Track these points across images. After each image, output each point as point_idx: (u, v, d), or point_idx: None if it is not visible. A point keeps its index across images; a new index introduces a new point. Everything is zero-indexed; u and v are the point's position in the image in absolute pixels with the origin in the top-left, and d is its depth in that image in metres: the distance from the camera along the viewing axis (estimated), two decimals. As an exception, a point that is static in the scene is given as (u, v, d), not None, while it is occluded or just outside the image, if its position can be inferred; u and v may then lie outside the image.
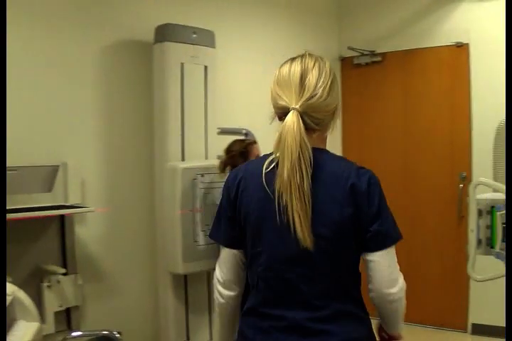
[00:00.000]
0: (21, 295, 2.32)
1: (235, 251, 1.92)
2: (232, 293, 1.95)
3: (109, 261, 3.95)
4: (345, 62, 6.02)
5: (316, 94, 1.79)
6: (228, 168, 3.86)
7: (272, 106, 1.95)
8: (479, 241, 2.51)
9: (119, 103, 4.00)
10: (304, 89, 1.81)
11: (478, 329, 5.26)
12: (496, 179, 3.06)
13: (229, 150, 3.87)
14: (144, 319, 4.15)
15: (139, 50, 4.08)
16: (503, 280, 2.44)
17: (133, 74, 4.07)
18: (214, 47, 4.16)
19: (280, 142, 1.77)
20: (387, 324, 2.05)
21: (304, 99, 1.79)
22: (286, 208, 1.72)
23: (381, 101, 5.82)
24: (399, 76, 5.72)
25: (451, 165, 5.42)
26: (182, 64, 3.95)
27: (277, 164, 1.76)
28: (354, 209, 1.76)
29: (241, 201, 1.86)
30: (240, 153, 3.81)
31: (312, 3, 5.72)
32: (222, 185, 3.89)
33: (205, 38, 4.10)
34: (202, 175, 3.89)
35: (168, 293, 3.98)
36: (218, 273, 1.95)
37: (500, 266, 2.41)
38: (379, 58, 5.78)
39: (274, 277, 1.81)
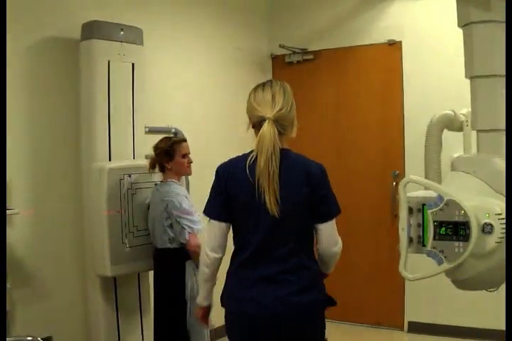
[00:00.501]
0: None
1: (222, 224, 2.61)
2: (217, 256, 2.63)
3: (37, 265, 3.83)
4: (276, 60, 6.01)
5: (283, 108, 2.58)
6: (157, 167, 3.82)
7: (248, 117, 2.73)
8: (410, 240, 2.51)
9: (44, 102, 3.88)
10: (275, 105, 2.58)
11: (415, 327, 5.34)
12: (427, 177, 3.08)
13: (155, 148, 3.83)
14: (74, 322, 4.04)
15: (65, 47, 3.95)
16: (437, 278, 2.45)
17: (59, 72, 3.95)
18: (142, 44, 4.08)
19: (259, 142, 2.52)
20: (326, 268, 2.89)
21: (275, 111, 2.56)
22: (263, 189, 2.49)
23: (313, 99, 5.82)
24: (331, 74, 5.73)
25: (383, 164, 5.46)
26: (109, 61, 3.86)
27: (256, 158, 2.52)
28: (310, 189, 2.58)
29: (231, 187, 2.59)
30: (165, 151, 3.76)
31: (243, 1, 5.69)
32: (149, 185, 3.85)
33: (133, 36, 4.01)
34: (129, 175, 3.82)
35: (98, 296, 3.89)
36: (207, 241, 2.64)
37: (433, 265, 2.42)
38: (311, 56, 5.80)
39: (257, 241, 2.54)
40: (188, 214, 3.64)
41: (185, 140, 3.93)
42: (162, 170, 3.84)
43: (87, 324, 4.01)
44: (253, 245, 2.56)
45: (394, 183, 5.36)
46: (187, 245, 3.63)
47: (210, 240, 2.63)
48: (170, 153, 3.77)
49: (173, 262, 3.72)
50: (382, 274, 5.50)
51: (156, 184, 3.89)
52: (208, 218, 2.65)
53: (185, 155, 3.84)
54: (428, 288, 4.66)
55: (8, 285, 3.46)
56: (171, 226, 3.66)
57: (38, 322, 3.75)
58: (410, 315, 5.37)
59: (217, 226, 2.61)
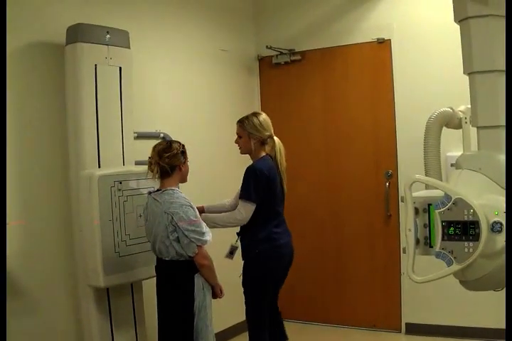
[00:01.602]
0: None
1: (255, 206, 3.92)
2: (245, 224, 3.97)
3: (26, 277, 3.73)
4: (263, 61, 5.96)
5: None
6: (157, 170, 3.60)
7: (258, 135, 4.03)
8: (417, 241, 2.45)
9: (30, 108, 3.78)
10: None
11: (412, 329, 5.29)
12: (427, 175, 3.03)
13: (167, 149, 3.55)
14: (68, 335, 3.94)
15: (50, 52, 3.86)
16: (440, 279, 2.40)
17: (45, 77, 3.86)
18: (129, 47, 4.00)
19: (276, 151, 4.08)
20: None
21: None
22: (281, 182, 4.10)
23: (302, 100, 5.78)
24: (320, 74, 5.68)
25: (376, 164, 5.42)
26: (96, 65, 3.77)
27: (273, 159, 4.09)
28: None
29: (272, 182, 3.96)
30: (182, 152, 3.60)
31: (229, 3, 5.65)
32: (142, 191, 3.70)
33: (120, 39, 3.93)
34: (120, 182, 3.72)
35: (91, 308, 3.79)
36: (245, 215, 3.90)
37: (439, 266, 2.37)
38: (299, 57, 5.75)
39: (281, 213, 4.14)
40: (195, 225, 3.45)
41: None
42: (167, 175, 3.57)
43: (81, 336, 3.91)
44: (281, 215, 4.10)
45: (387, 183, 5.31)
46: (195, 258, 3.48)
47: (245, 216, 3.88)
48: (184, 155, 3.61)
49: (180, 275, 3.53)
50: (378, 275, 5.46)
51: (150, 192, 3.66)
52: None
53: (188, 161, 3.70)
54: (425, 289, 4.60)
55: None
56: (177, 239, 3.45)
57: (29, 337, 3.66)
58: (407, 316, 5.32)
59: (253, 208, 3.90)
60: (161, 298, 3.64)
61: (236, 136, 4.11)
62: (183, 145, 3.65)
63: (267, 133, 4.03)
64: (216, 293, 3.68)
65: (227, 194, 4.38)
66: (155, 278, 3.71)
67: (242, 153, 4.13)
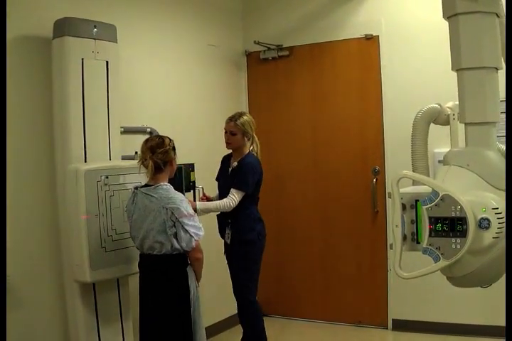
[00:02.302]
0: None
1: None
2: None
3: (11, 272, 3.69)
4: (251, 56, 5.94)
5: None
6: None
7: (251, 132, 4.42)
8: (404, 237, 2.45)
9: (15, 103, 3.74)
10: None
11: (399, 325, 5.30)
12: (415, 172, 3.02)
13: (159, 145, 3.56)
14: (53, 331, 3.92)
15: (36, 46, 3.83)
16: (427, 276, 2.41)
17: (31, 71, 3.82)
18: (116, 41, 3.97)
19: (258, 147, 4.47)
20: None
21: None
22: None
23: (289, 95, 5.76)
24: (307, 70, 5.67)
25: (363, 160, 5.41)
26: (82, 59, 3.75)
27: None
28: None
29: (261, 175, 4.43)
30: (173, 147, 3.60)
31: (216, -2, 5.62)
32: (128, 186, 3.67)
33: (107, 33, 3.90)
34: (106, 177, 3.69)
35: (77, 303, 3.77)
36: (237, 203, 4.25)
37: (423, 261, 2.38)
38: (286, 52, 5.73)
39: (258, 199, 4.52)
40: (194, 220, 3.49)
41: None
42: (159, 170, 3.57)
43: (67, 332, 3.89)
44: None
45: (374, 179, 5.31)
46: (192, 251, 3.51)
47: (238, 201, 4.25)
48: (175, 150, 3.63)
49: (174, 269, 3.56)
50: (364, 271, 5.47)
51: (136, 187, 3.64)
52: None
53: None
54: (412, 285, 4.61)
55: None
56: (175, 234, 3.47)
57: (13, 333, 3.62)
58: (394, 312, 5.33)
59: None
60: (150, 293, 3.63)
61: (223, 132, 4.45)
62: (173, 141, 3.67)
63: (254, 132, 4.43)
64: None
65: (211, 189, 4.46)
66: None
67: (230, 148, 4.49)
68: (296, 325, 5.65)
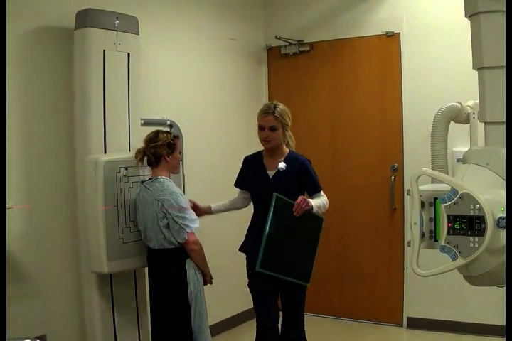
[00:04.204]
0: None
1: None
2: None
3: (30, 261, 3.73)
4: (272, 52, 5.93)
5: None
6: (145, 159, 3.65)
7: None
8: (422, 235, 2.44)
9: (37, 93, 3.77)
10: None
11: (414, 323, 5.29)
12: (434, 170, 3.03)
13: (153, 139, 3.61)
14: (69, 321, 3.95)
15: (59, 36, 3.85)
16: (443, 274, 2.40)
17: (53, 62, 3.85)
18: (138, 33, 3.98)
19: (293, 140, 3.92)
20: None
21: None
22: None
23: (310, 91, 5.76)
24: (328, 66, 5.66)
25: (382, 157, 5.40)
26: (104, 51, 3.76)
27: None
28: None
29: None
30: (168, 143, 3.61)
31: (238, -9, 5.61)
32: (147, 178, 3.70)
33: (129, 24, 3.91)
34: (125, 168, 3.71)
35: (93, 294, 3.79)
36: None
37: (441, 260, 2.37)
38: (307, 48, 5.72)
39: None
40: (185, 212, 3.50)
41: (179, 136, 3.84)
42: (156, 164, 3.62)
43: (83, 322, 3.91)
44: None
45: (393, 177, 5.30)
46: (185, 244, 3.52)
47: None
48: (172, 146, 3.64)
49: (172, 263, 3.58)
50: (381, 269, 5.46)
51: (142, 181, 3.70)
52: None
53: (180, 152, 3.73)
54: (428, 283, 4.61)
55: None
56: (167, 226, 3.51)
57: (31, 321, 3.67)
58: (409, 310, 5.32)
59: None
60: (154, 287, 3.69)
61: (256, 128, 3.76)
62: (175, 137, 3.69)
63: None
64: (206, 280, 3.74)
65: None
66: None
67: (270, 147, 3.74)
68: (311, 321, 5.64)
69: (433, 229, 2.45)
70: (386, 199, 5.36)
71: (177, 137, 3.72)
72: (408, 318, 5.32)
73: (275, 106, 3.67)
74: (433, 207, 2.45)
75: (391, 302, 5.41)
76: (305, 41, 5.72)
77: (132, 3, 4.28)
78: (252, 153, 3.95)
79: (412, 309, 5.31)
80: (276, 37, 5.67)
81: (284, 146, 3.80)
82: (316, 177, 3.78)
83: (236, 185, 4.01)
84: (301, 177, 3.73)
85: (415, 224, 2.43)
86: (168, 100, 4.73)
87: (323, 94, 5.70)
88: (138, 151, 3.65)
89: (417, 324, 5.25)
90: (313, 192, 3.76)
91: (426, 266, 2.42)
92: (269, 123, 3.66)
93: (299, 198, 3.49)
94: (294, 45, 5.75)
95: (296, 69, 5.81)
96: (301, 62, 5.80)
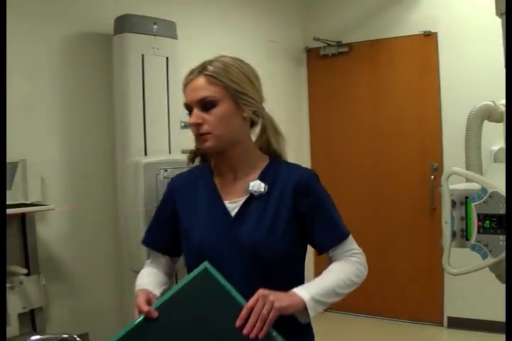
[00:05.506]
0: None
1: None
2: None
3: (72, 260, 3.84)
4: (311, 53, 5.96)
5: None
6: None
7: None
8: (453, 234, 2.46)
9: (78, 97, 3.88)
10: None
11: (454, 323, 5.27)
12: (468, 169, 3.02)
13: None
14: (111, 319, 4.02)
15: (98, 42, 3.96)
16: (478, 272, 2.41)
17: (92, 67, 3.96)
18: (176, 38, 4.06)
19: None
20: None
21: None
22: None
23: (349, 92, 5.77)
24: (366, 66, 5.67)
25: (421, 157, 5.39)
26: (143, 56, 3.84)
27: None
28: None
29: None
30: None
31: (277, -6, 5.65)
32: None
33: (167, 29, 3.99)
34: (165, 170, 3.78)
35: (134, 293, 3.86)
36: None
37: (476, 259, 2.39)
38: (346, 49, 5.73)
39: None
40: None
41: None
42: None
43: (123, 320, 3.99)
44: None
45: (432, 176, 5.28)
46: None
47: None
48: None
49: None
50: (421, 268, 5.44)
51: None
52: None
53: None
54: (467, 282, 4.58)
55: (43, 282, 3.48)
56: None
57: (74, 319, 3.77)
58: (449, 310, 5.30)
59: None
60: None
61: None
62: None
63: None
64: None
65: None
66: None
67: (213, 148, 2.02)
68: (350, 320, 5.67)
69: (464, 228, 2.46)
70: (426, 199, 5.34)
71: None
72: (448, 318, 5.29)
73: (210, 62, 1.97)
74: (464, 206, 2.46)
75: (431, 301, 5.39)
76: (343, 42, 5.74)
77: (170, 7, 4.35)
78: (185, 171, 2.17)
79: (452, 309, 5.28)
80: (314, 38, 5.70)
81: (257, 148, 2.02)
82: (335, 208, 1.95)
83: (147, 242, 2.13)
84: (303, 211, 1.88)
85: (446, 223, 2.45)
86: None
87: (362, 94, 5.71)
88: (190, 151, 3.67)
89: (457, 323, 5.22)
90: (333, 242, 1.93)
91: (462, 264, 2.43)
92: (198, 94, 1.87)
93: (255, 295, 1.68)
94: (333, 46, 5.77)
95: (336, 71, 5.83)
96: (340, 63, 5.81)
